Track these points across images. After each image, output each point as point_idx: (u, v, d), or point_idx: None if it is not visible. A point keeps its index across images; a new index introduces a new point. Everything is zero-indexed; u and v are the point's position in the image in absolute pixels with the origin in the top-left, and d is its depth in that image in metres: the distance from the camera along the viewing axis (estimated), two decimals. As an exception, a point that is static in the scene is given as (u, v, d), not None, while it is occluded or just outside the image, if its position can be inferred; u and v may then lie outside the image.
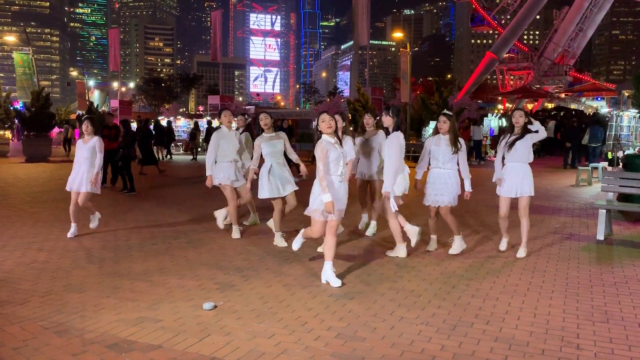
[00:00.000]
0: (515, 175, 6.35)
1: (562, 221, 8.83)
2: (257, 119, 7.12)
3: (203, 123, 26.99)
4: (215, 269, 5.82)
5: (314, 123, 6.61)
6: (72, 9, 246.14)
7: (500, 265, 6.04)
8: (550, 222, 8.64)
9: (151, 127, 24.60)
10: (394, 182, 6.07)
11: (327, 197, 5.06)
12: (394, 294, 5.00)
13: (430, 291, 5.09)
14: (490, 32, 64.15)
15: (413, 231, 6.28)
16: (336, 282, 5.21)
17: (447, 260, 6.25)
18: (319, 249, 6.48)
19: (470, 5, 63.77)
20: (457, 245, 6.56)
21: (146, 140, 16.51)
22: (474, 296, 4.96)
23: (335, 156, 5.24)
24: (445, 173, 6.38)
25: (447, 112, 6.54)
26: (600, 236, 7.32)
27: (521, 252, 6.42)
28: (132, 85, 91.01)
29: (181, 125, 28.17)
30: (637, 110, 19.66)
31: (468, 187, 6.46)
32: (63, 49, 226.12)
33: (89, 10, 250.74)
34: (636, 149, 14.29)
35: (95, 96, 52.83)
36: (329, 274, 5.27)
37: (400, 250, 6.37)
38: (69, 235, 7.31)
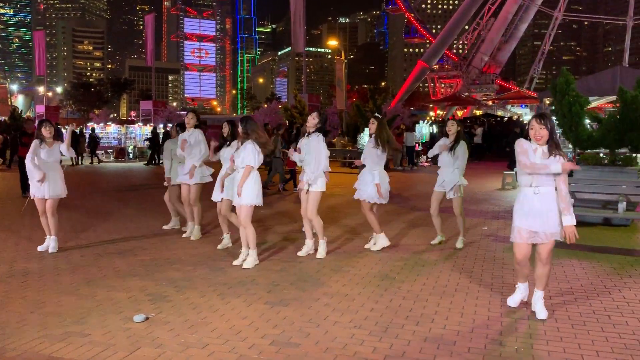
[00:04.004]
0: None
1: (488, 224, 9.23)
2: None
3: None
4: (146, 280, 5.69)
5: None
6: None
7: (430, 267, 6.25)
8: (477, 225, 9.01)
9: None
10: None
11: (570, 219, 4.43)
12: (328, 299, 5.07)
13: (363, 294, 5.20)
14: (424, 42, 66.38)
15: (307, 246, 6.81)
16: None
17: (380, 262, 6.40)
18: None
19: (403, 16, 65.69)
20: (380, 242, 7.05)
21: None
22: (405, 298, 5.11)
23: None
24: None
25: (377, 115, 7.07)
26: (523, 237, 7.71)
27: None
28: (59, 90, 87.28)
29: (111, 131, 27.22)
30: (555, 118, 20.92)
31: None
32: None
33: (11, 11, 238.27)
34: None
35: (19, 101, 50.29)
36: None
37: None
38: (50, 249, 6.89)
